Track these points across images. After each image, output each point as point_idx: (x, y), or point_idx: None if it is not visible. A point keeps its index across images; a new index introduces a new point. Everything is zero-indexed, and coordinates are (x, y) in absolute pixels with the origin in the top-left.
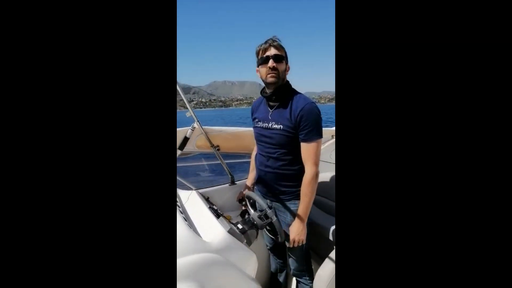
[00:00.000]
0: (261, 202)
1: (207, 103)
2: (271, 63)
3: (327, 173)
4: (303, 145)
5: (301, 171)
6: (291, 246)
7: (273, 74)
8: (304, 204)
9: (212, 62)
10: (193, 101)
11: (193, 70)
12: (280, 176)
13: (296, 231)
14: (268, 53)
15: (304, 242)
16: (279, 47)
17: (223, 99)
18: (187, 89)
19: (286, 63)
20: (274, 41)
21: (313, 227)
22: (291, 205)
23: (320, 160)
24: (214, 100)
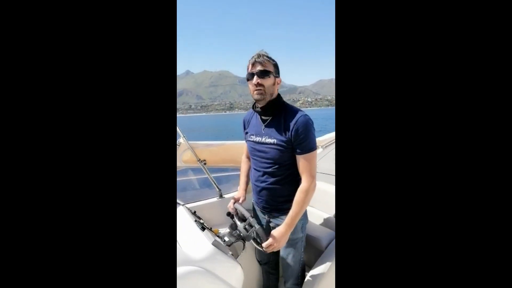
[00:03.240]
0: (244, 212)
1: (313, 103)
2: (255, 79)
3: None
4: (299, 158)
5: (297, 186)
6: (264, 249)
7: (258, 91)
8: (293, 212)
9: (318, 60)
10: (299, 100)
11: (298, 70)
12: (276, 191)
13: (277, 236)
14: (253, 70)
15: (279, 248)
16: (265, 62)
17: (329, 97)
18: (293, 89)
19: (276, 77)
20: (259, 56)
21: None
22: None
23: None
24: (320, 99)
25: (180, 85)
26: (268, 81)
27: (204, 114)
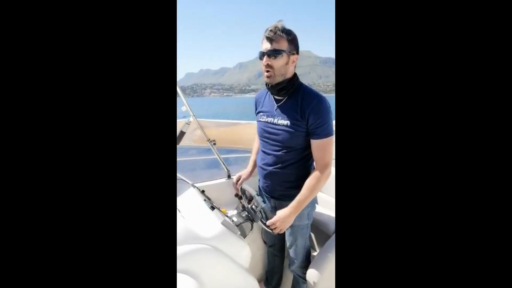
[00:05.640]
0: (251, 191)
1: None
2: (265, 60)
3: None
4: (314, 143)
5: (307, 173)
6: (269, 228)
7: (267, 73)
8: (301, 195)
9: None
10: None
11: None
12: (284, 176)
13: (281, 217)
14: (263, 48)
15: (283, 231)
16: (278, 38)
17: None
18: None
19: (291, 54)
20: (273, 30)
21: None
22: None
23: None
24: None
25: (259, 67)
26: (279, 62)
27: None
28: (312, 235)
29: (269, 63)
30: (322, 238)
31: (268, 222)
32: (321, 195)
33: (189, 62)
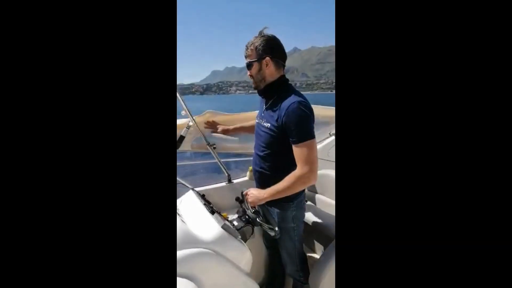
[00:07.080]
0: None
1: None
2: (248, 72)
3: (325, 171)
4: (293, 147)
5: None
6: (245, 196)
7: (252, 81)
8: (277, 186)
9: None
10: None
11: None
12: (266, 177)
13: (254, 192)
14: None
15: (253, 204)
16: (248, 53)
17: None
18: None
19: (262, 59)
20: (246, 47)
21: (312, 226)
22: (276, 209)
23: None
24: None
25: (287, 63)
26: (253, 71)
27: (309, 92)
28: (314, 238)
29: (248, 73)
30: (324, 241)
31: (245, 192)
32: (322, 198)
33: (215, 60)
